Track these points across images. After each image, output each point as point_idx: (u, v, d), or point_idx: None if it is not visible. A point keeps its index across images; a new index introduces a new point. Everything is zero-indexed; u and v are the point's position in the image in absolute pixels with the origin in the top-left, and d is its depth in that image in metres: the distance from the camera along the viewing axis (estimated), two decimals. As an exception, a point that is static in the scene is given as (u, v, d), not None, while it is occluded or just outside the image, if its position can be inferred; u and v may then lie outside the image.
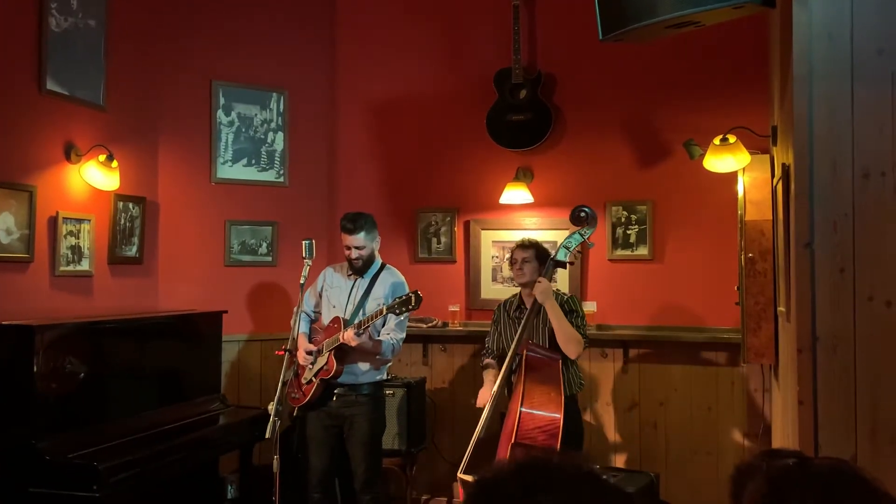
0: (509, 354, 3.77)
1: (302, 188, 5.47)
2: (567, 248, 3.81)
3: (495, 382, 3.83)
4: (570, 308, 3.91)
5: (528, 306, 3.88)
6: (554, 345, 3.83)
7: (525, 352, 3.71)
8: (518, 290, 4.17)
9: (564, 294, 4.06)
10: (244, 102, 5.31)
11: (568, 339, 3.79)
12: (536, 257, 4.01)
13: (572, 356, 3.87)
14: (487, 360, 4.13)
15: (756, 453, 1.40)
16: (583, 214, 3.80)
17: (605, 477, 1.10)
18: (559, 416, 3.55)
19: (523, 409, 3.56)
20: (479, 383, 4.11)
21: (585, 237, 3.81)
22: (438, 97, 5.43)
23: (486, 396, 3.88)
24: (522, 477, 1.04)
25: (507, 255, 5.22)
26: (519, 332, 3.80)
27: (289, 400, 4.21)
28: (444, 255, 5.40)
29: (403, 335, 4.23)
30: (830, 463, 1.28)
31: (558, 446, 3.44)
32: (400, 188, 5.52)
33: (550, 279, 3.89)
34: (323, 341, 4.12)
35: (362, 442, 4.11)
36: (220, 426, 4.59)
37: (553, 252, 3.93)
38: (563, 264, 3.88)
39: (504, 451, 3.58)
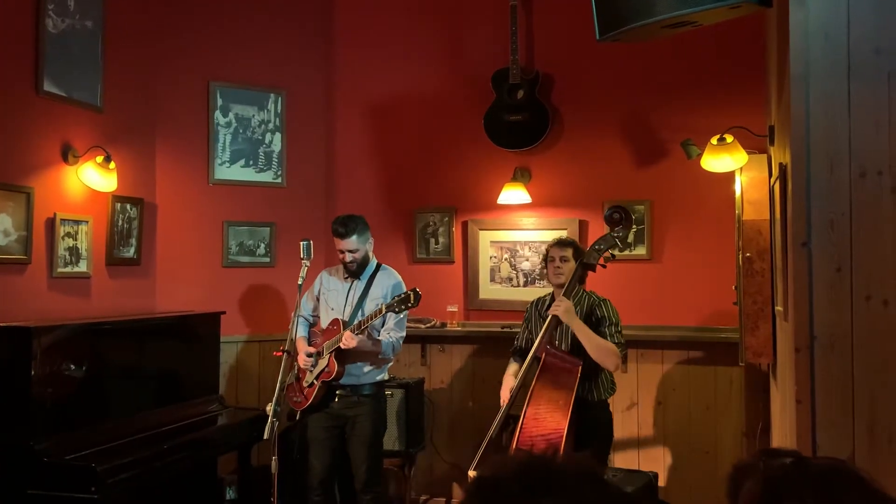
0: (528, 358, 3.67)
1: (300, 189, 5.47)
2: (598, 251, 3.62)
3: (515, 379, 3.76)
4: (602, 314, 3.71)
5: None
6: (576, 349, 3.65)
7: (543, 355, 3.60)
8: (546, 289, 4.01)
9: (596, 297, 3.82)
10: (242, 103, 5.30)
11: (603, 355, 3.57)
12: (575, 256, 3.78)
13: (611, 369, 3.66)
14: (512, 357, 4.02)
15: (754, 452, 1.40)
16: (616, 216, 3.65)
17: (606, 478, 1.10)
18: (563, 426, 3.44)
19: (528, 414, 3.52)
20: (478, 383, 4.10)
21: (618, 239, 3.65)
22: (436, 97, 5.43)
23: (504, 395, 3.81)
24: (523, 477, 1.02)
25: (505, 255, 5.27)
26: (539, 337, 3.67)
27: (291, 404, 4.21)
28: (443, 256, 5.40)
29: (403, 334, 4.23)
30: (828, 462, 1.28)
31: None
32: (398, 188, 5.52)
33: (582, 282, 3.77)
34: (322, 344, 4.13)
35: (364, 442, 4.11)
36: (218, 427, 4.59)
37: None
38: (592, 267, 3.69)
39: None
